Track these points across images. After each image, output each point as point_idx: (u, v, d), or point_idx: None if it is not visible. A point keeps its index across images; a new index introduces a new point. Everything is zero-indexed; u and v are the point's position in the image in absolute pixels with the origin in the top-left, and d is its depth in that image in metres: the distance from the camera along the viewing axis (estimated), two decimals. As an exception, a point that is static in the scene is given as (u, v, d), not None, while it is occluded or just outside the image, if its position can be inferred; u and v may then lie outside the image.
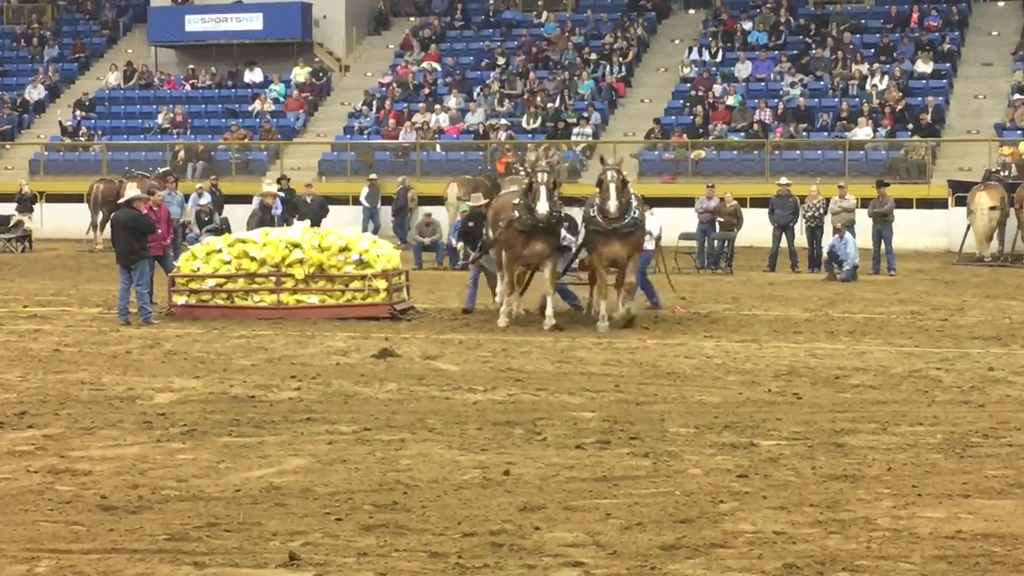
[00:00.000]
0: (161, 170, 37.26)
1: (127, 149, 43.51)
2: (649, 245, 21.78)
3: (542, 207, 19.52)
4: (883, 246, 29.21)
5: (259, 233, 22.38)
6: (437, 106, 42.48)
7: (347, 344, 18.54)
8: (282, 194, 29.86)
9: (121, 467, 11.12)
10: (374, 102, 43.52)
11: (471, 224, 23.40)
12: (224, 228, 35.16)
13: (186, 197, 34.48)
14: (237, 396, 14.60)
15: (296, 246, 21.55)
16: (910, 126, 37.70)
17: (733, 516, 9.53)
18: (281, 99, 45.38)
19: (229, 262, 21.80)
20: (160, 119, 45.11)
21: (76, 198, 39.13)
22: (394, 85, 44.05)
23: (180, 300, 21.85)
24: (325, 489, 10.35)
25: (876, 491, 10.20)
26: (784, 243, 30.12)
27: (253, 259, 21.69)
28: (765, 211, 30.89)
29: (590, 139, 40.05)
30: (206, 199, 34.99)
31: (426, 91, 43.47)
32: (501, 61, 44.16)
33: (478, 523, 9.37)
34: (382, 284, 21.26)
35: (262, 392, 14.80)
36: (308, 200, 33.17)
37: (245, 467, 11.12)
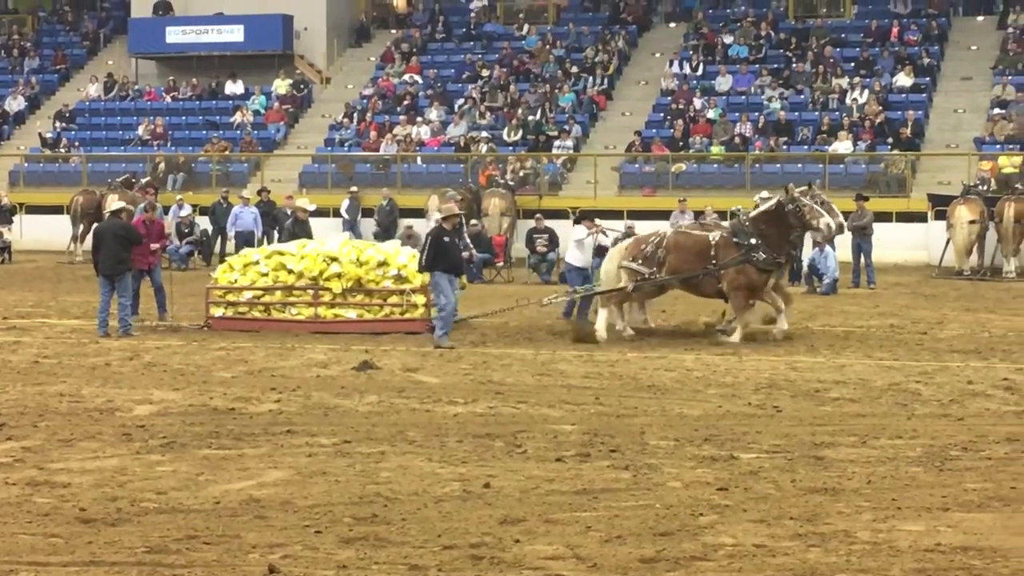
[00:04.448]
0: (142, 181, 37.27)
1: (107, 161, 43.37)
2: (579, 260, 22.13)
3: None
4: (863, 259, 29.30)
5: (296, 246, 22.36)
6: (418, 118, 42.47)
7: (327, 356, 18.52)
8: (308, 208, 29.60)
9: (100, 479, 11.10)
10: (355, 114, 43.50)
11: (446, 240, 20.01)
12: (204, 239, 35.20)
13: (166, 209, 34.46)
14: (217, 408, 14.58)
15: (334, 259, 21.52)
16: (890, 140, 37.78)
17: (713, 529, 9.54)
18: (262, 111, 45.32)
19: (266, 274, 21.77)
20: (140, 131, 45.00)
21: (56, 210, 39.06)
22: (375, 97, 44.03)
23: (217, 312, 21.79)
24: (305, 502, 10.33)
25: (856, 504, 10.21)
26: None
27: (291, 272, 21.66)
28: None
29: (571, 152, 40.05)
30: (186, 211, 34.95)
31: (407, 103, 43.47)
32: (483, 74, 44.17)
33: (458, 536, 9.36)
34: (421, 299, 21.07)
35: (242, 404, 14.78)
36: (288, 213, 33.10)
37: (225, 480, 11.10)
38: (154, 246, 22.73)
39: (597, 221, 23.10)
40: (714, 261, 20.26)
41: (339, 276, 21.39)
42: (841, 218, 21.41)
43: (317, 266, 21.52)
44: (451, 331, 19.99)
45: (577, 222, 23.56)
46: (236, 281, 21.91)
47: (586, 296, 21.73)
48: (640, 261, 20.70)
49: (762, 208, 21.08)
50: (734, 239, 20.28)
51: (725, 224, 22.38)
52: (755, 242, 20.10)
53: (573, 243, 22.75)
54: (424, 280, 20.55)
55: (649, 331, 21.21)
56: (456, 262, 20.23)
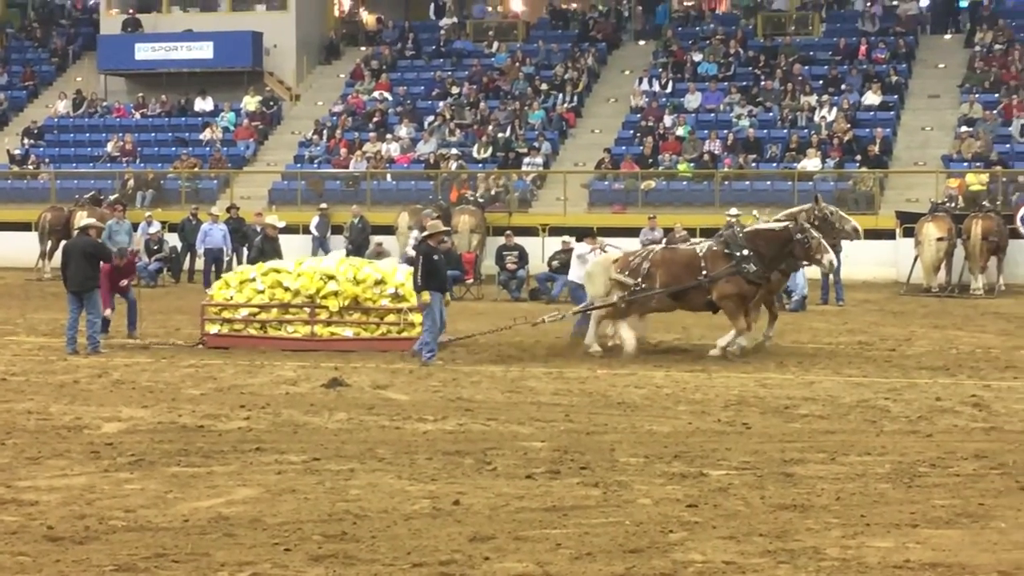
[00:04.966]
0: (111, 198, 37.18)
1: (76, 177, 43.19)
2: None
3: None
4: (831, 277, 29.34)
5: (293, 263, 22.29)
6: (388, 135, 42.45)
7: (297, 374, 18.49)
8: (277, 225, 29.48)
9: (68, 497, 11.05)
10: (325, 131, 43.46)
11: (435, 257, 19.96)
12: (173, 256, 35.12)
13: (135, 226, 34.38)
14: (186, 426, 14.54)
15: (331, 278, 21.43)
16: (858, 157, 37.89)
17: (683, 546, 9.54)
18: (231, 128, 45.23)
19: (263, 292, 21.69)
20: (109, 147, 44.85)
21: (24, 226, 38.88)
22: (345, 114, 44.02)
23: (212, 329, 21.71)
24: (274, 519, 10.30)
25: (825, 521, 10.24)
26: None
27: (287, 289, 21.57)
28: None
29: (540, 169, 40.08)
30: (155, 228, 34.88)
31: (377, 120, 43.47)
32: (453, 91, 44.20)
33: (428, 553, 9.35)
34: (418, 318, 20.84)
35: (211, 422, 14.74)
36: (257, 230, 33.04)
37: (193, 497, 11.06)
38: (124, 282, 22.66)
39: (599, 239, 23.11)
40: (704, 273, 20.30)
41: (336, 294, 21.31)
42: (855, 222, 21.72)
43: (314, 284, 21.43)
44: (435, 348, 19.80)
45: (579, 240, 23.56)
46: (232, 298, 21.83)
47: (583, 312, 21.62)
48: (627, 274, 20.70)
49: (766, 226, 21.11)
50: (725, 250, 20.33)
51: (697, 240, 22.46)
52: (747, 253, 20.15)
53: (575, 260, 22.67)
54: (425, 299, 19.80)
55: (651, 348, 21.14)
56: (445, 279, 20.25)
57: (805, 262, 21.15)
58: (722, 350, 20.03)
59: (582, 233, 24.14)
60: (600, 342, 20.94)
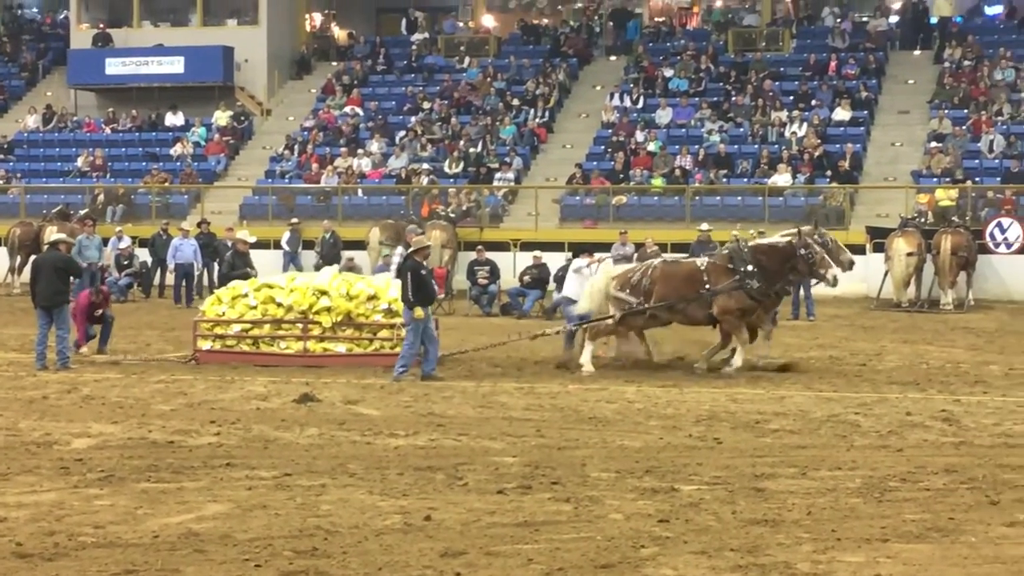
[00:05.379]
0: (81, 213, 37.04)
1: (46, 192, 43.04)
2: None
3: None
4: (802, 291, 29.41)
5: (286, 279, 22.21)
6: (359, 150, 42.41)
7: (267, 389, 18.44)
8: (248, 240, 29.46)
9: (37, 513, 10.99)
10: (296, 146, 43.42)
11: (423, 272, 19.89)
12: (144, 271, 35.01)
13: (105, 241, 34.26)
14: (156, 441, 14.49)
15: (324, 293, 21.34)
16: (828, 173, 38.01)
17: (654, 561, 9.54)
18: (202, 143, 45.17)
19: (255, 307, 21.60)
20: (80, 162, 44.73)
21: (-7, 241, 38.76)
22: (316, 129, 43.99)
23: (205, 345, 21.62)
24: (245, 535, 10.27)
25: (796, 535, 10.25)
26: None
27: (280, 305, 21.49)
28: (686, 256, 31.01)
29: (512, 184, 40.10)
30: (125, 243, 34.77)
31: (346, 131, 43.43)
32: (424, 106, 44.20)
33: (399, 569, 9.33)
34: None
35: (181, 437, 14.69)
36: (228, 245, 32.98)
37: (164, 513, 11.02)
38: (99, 312, 22.78)
39: (596, 255, 23.12)
40: (707, 287, 20.29)
41: (329, 310, 21.24)
42: (850, 255, 21.70)
43: (307, 299, 21.35)
44: (409, 365, 19.75)
45: (576, 256, 23.55)
46: (224, 314, 21.76)
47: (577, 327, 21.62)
48: (628, 291, 20.67)
49: (770, 241, 21.13)
50: (728, 264, 20.32)
51: (668, 255, 22.44)
52: (751, 269, 20.16)
53: (572, 275, 22.58)
54: (418, 314, 19.59)
55: (652, 363, 21.10)
56: (432, 294, 20.17)
57: (808, 276, 21.00)
58: (736, 370, 19.99)
59: (580, 249, 24.18)
60: (632, 356, 20.87)
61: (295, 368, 20.46)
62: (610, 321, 20.66)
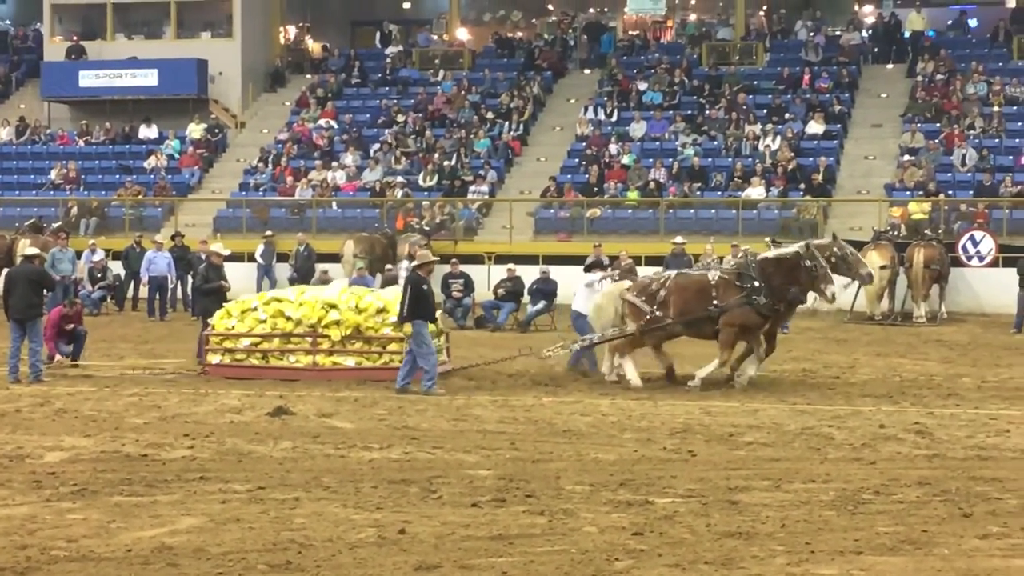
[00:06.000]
0: (54, 225, 36.92)
1: (19, 205, 42.91)
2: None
3: None
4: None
5: (295, 292, 22.14)
6: (334, 163, 42.38)
7: (241, 402, 18.41)
8: (222, 253, 29.34)
9: (9, 527, 10.95)
10: (270, 159, 43.36)
11: (424, 288, 19.86)
12: (117, 284, 34.91)
13: (78, 254, 34.16)
14: (129, 455, 14.44)
15: (333, 307, 21.26)
16: (802, 186, 38.12)
17: (628, 574, 9.55)
18: (176, 155, 45.08)
19: (264, 321, 21.52)
20: (53, 175, 44.59)
21: (-34, 254, 38.54)
22: (290, 142, 43.95)
23: (214, 359, 21.54)
24: (218, 549, 10.25)
25: (770, 548, 10.27)
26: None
27: (289, 319, 21.40)
28: (659, 269, 31.06)
29: (486, 197, 40.12)
30: (99, 256, 34.67)
31: (320, 144, 43.40)
32: (399, 119, 44.20)
33: (373, 582, 9.32)
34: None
35: (155, 451, 14.65)
36: (202, 257, 32.89)
37: (137, 527, 10.99)
38: (71, 326, 22.83)
39: (608, 268, 23.10)
40: (715, 301, 20.26)
41: (338, 323, 21.18)
42: (868, 268, 21.58)
43: (316, 313, 21.26)
44: (435, 376, 19.67)
45: (587, 270, 23.56)
46: (233, 328, 21.69)
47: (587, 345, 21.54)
48: (644, 298, 20.60)
49: (778, 253, 21.06)
50: (736, 280, 20.27)
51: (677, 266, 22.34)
52: (758, 284, 20.14)
53: (583, 289, 22.49)
54: (407, 330, 19.69)
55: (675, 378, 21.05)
56: (432, 309, 20.09)
57: (810, 288, 20.84)
58: (742, 385, 19.95)
59: (592, 264, 24.22)
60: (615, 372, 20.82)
61: (268, 381, 20.40)
62: (628, 334, 20.58)
